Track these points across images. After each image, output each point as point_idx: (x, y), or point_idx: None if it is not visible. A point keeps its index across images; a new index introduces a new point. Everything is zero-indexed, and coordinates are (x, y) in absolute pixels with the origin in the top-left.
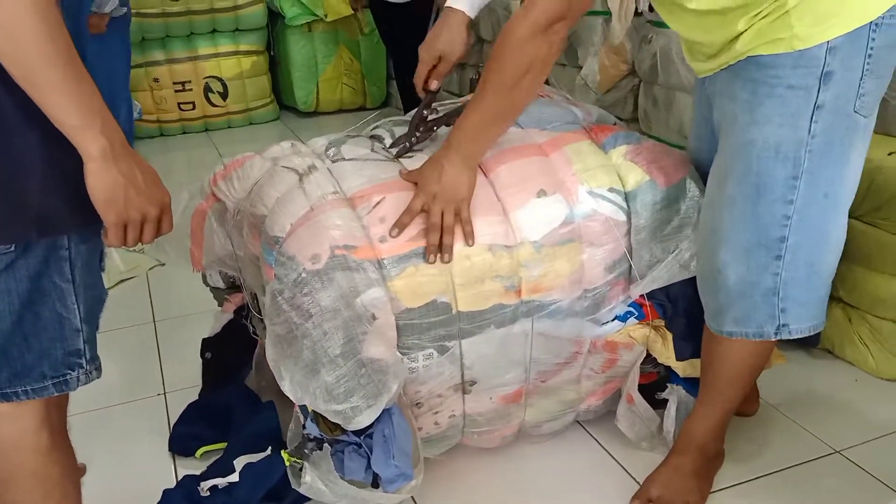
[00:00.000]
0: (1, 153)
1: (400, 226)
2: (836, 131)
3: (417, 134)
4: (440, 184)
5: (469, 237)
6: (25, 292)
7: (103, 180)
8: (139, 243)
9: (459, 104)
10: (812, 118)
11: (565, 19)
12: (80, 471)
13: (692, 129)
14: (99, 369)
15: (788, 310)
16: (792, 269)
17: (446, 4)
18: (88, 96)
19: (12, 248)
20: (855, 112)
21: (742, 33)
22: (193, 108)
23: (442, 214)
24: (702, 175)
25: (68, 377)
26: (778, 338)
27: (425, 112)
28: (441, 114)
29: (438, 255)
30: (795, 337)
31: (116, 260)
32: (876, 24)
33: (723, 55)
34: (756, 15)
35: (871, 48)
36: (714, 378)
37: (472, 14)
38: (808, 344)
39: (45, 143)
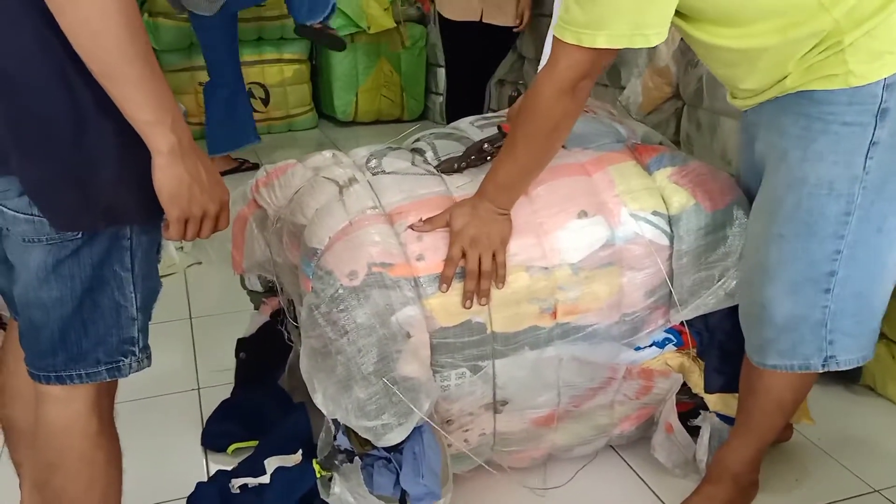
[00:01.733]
0: (77, 145)
1: (445, 280)
2: (891, 167)
3: (470, 160)
4: (477, 231)
5: (501, 281)
6: (88, 279)
7: (170, 176)
8: (190, 239)
9: None
10: (867, 155)
11: (590, 77)
12: None
13: (740, 155)
14: (149, 358)
15: (836, 342)
16: (841, 301)
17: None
18: (162, 94)
19: (79, 236)
20: None
21: (790, 73)
22: None
23: (480, 259)
24: (749, 200)
25: (121, 364)
26: (825, 369)
27: (485, 145)
28: (496, 147)
29: (476, 299)
30: (844, 368)
31: (172, 252)
32: None
33: (768, 92)
34: (808, 53)
35: None
36: (752, 408)
37: None
38: (849, 380)
39: (120, 137)
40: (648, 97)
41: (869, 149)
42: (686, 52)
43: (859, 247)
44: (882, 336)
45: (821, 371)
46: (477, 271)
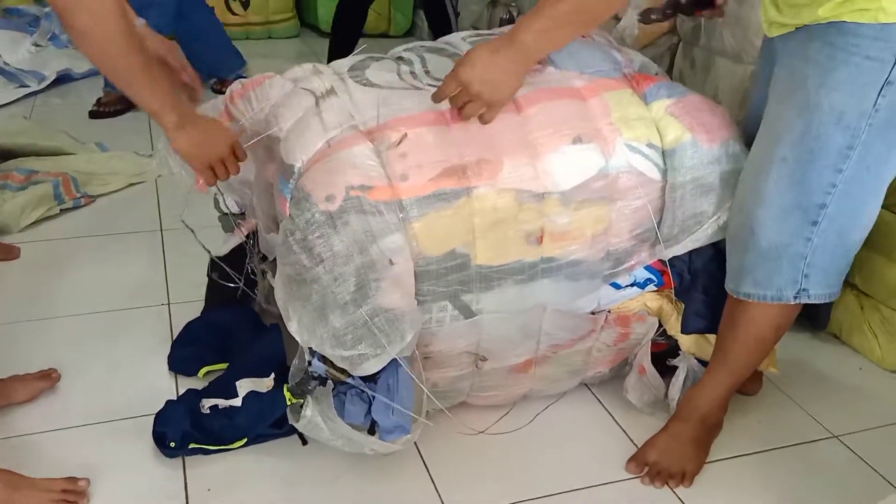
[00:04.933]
0: None
1: (439, 95)
2: None
3: (666, 13)
4: (483, 76)
5: (486, 122)
6: None
7: (180, 144)
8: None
9: None
10: (881, 92)
11: None
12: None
13: (754, 89)
14: None
15: (811, 276)
16: (823, 236)
17: None
18: (160, 89)
19: None
20: None
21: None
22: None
23: (465, 106)
24: (749, 140)
25: None
26: (796, 302)
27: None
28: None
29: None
30: (813, 302)
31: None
32: None
33: (805, 12)
34: None
35: None
36: (731, 344)
37: None
38: (816, 327)
39: None
40: (644, 30)
41: (883, 86)
42: None
43: (853, 184)
44: (854, 287)
45: (792, 303)
46: (456, 113)
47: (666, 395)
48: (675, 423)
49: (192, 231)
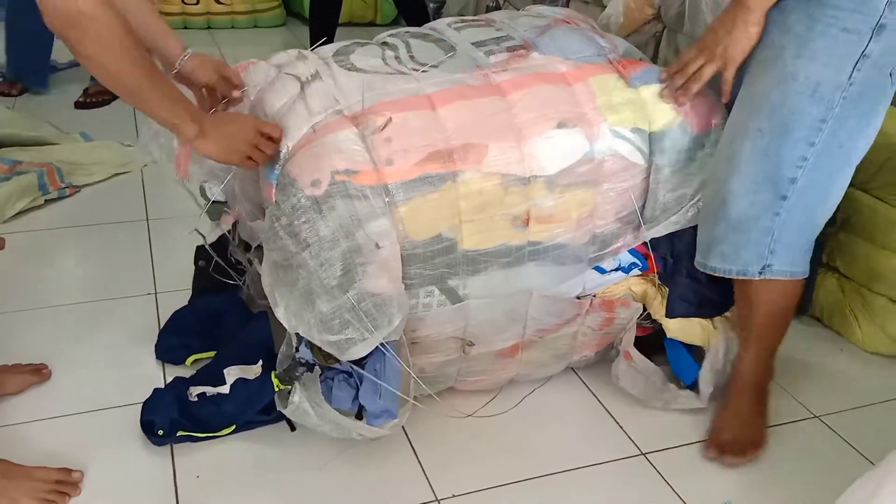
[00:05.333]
0: None
1: (667, 73)
2: (871, 85)
3: None
4: (718, 38)
5: (725, 96)
6: None
7: (208, 149)
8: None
9: None
10: (856, 65)
11: None
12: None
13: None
14: None
15: (777, 251)
16: (791, 212)
17: None
18: (176, 101)
19: None
20: (890, 75)
21: None
22: (197, 2)
23: (703, 66)
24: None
25: None
26: (762, 277)
27: None
28: None
29: (674, 96)
30: (776, 278)
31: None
32: None
33: None
34: None
35: None
36: (750, 320)
37: None
38: (798, 311)
39: None
40: (629, 17)
41: (859, 59)
42: None
43: (824, 158)
44: (835, 270)
45: (757, 279)
46: (691, 74)
47: (665, 381)
48: (734, 400)
49: (202, 235)
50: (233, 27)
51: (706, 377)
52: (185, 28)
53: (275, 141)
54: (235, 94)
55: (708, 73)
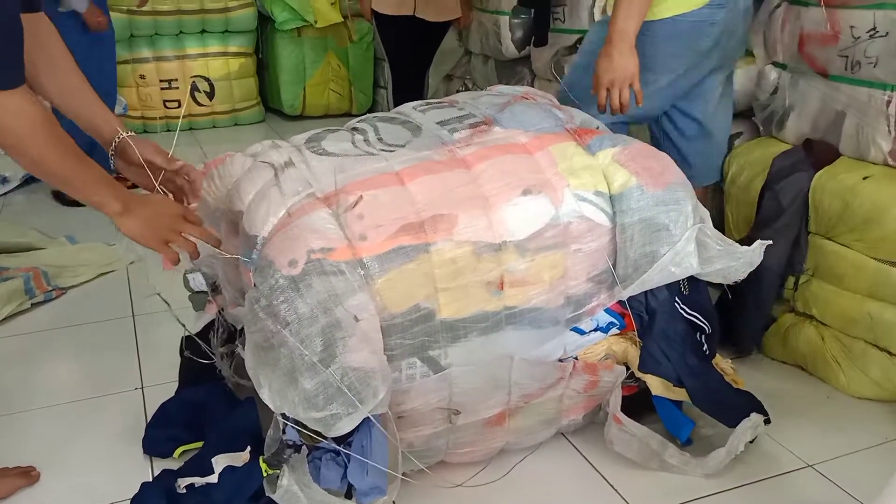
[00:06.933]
0: None
1: (601, 101)
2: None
3: None
4: (613, 68)
5: (638, 102)
6: None
7: (129, 228)
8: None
9: None
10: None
11: None
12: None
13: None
14: None
15: None
16: None
17: None
18: (98, 181)
19: None
20: None
21: None
22: (179, 105)
23: (620, 94)
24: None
25: None
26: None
27: None
28: None
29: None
30: None
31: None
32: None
33: None
34: None
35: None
36: None
37: None
38: (741, 352)
39: None
40: None
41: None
42: None
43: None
44: (811, 318)
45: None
46: (618, 104)
47: (662, 444)
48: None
49: (168, 304)
50: (214, 126)
51: (720, 456)
52: (168, 130)
53: (196, 229)
54: (176, 164)
55: (626, 95)
